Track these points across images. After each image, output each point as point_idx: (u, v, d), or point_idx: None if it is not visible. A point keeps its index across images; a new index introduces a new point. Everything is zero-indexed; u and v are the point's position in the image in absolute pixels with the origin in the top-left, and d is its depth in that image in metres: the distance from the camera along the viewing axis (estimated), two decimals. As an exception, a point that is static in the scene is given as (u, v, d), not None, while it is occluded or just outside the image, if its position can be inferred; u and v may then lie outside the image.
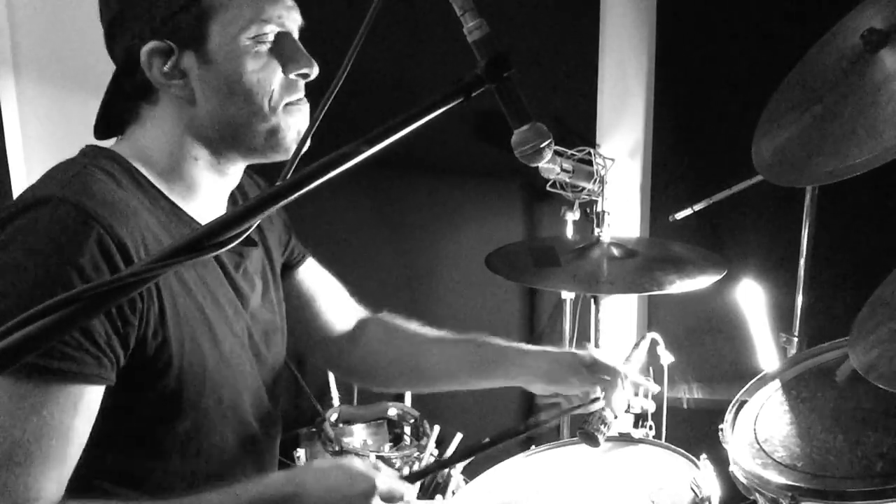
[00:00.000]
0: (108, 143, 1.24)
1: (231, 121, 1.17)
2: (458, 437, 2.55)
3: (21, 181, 2.10)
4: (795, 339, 2.01)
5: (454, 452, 1.48)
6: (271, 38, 1.16)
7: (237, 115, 1.16)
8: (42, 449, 1.02)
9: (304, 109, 1.21)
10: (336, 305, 1.58)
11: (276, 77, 1.16)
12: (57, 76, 2.10)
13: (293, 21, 1.19)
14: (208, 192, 1.24)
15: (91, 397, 1.07)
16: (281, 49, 1.17)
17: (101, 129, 1.24)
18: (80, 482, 1.08)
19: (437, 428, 2.46)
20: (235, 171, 1.25)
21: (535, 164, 1.00)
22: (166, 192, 1.19)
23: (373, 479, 1.17)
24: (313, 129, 0.97)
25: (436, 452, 2.48)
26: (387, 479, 1.19)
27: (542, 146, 0.97)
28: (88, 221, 1.04)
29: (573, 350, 1.50)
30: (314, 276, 1.55)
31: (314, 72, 1.19)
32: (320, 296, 1.55)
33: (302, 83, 1.20)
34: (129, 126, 1.22)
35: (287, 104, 1.18)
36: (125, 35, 1.15)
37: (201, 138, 1.19)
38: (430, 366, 1.55)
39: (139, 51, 1.13)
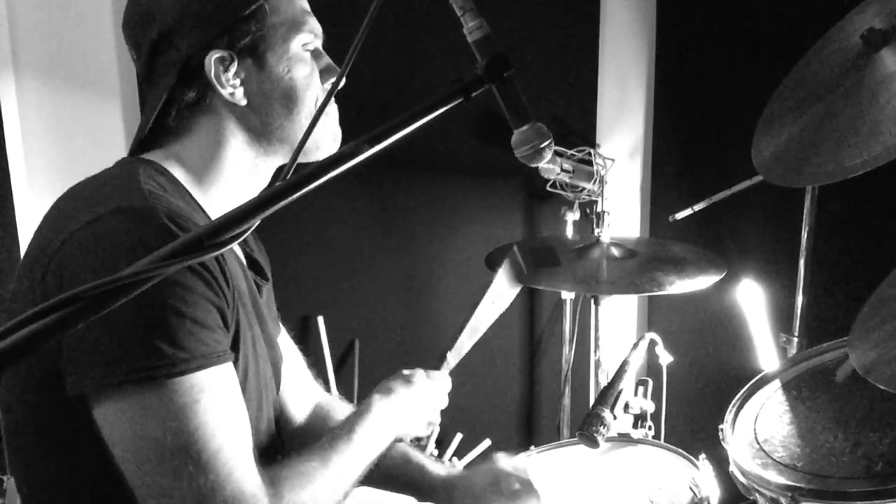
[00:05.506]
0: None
1: (283, 123, 1.22)
2: (458, 437, 2.55)
3: (21, 181, 2.10)
4: (795, 339, 2.00)
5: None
6: (312, 47, 1.24)
7: (289, 117, 1.22)
8: (223, 428, 1.04)
9: (335, 113, 1.28)
10: (292, 377, 1.54)
11: (318, 84, 1.24)
12: (57, 76, 2.10)
13: (320, 34, 1.27)
14: (238, 198, 1.26)
15: (233, 370, 1.11)
16: (318, 59, 1.25)
17: (140, 145, 1.24)
18: (107, 491, 1.08)
19: (436, 428, 2.47)
20: (266, 176, 1.29)
21: (535, 164, 1.00)
22: (200, 202, 1.21)
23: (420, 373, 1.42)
24: (314, 128, 0.98)
25: (435, 452, 2.49)
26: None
27: (542, 146, 0.97)
28: (175, 230, 1.04)
29: (487, 464, 1.47)
30: (281, 340, 1.52)
31: (342, 81, 1.22)
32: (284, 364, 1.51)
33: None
34: (169, 137, 1.22)
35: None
36: (183, 45, 1.16)
37: (251, 142, 1.23)
38: None
39: (202, 60, 1.15)
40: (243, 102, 1.19)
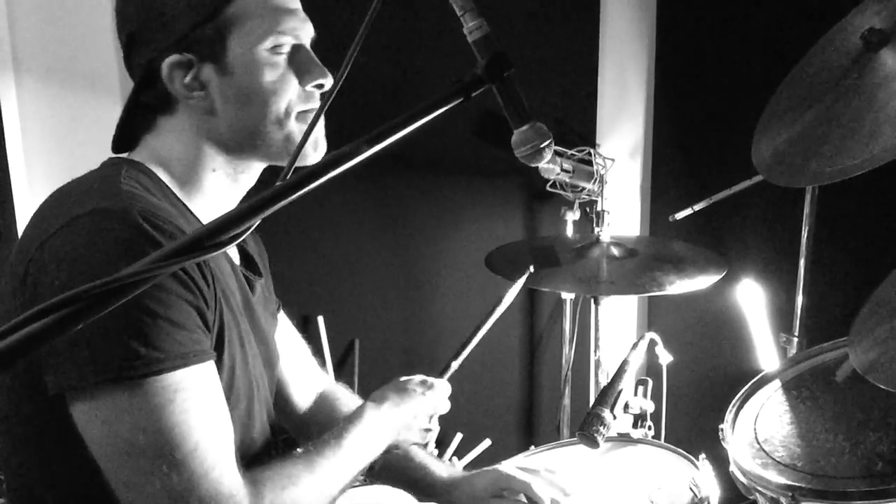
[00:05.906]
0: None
1: (249, 129, 1.19)
2: (458, 437, 2.55)
3: (21, 181, 2.10)
4: (795, 339, 2.01)
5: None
6: (287, 49, 1.19)
7: (255, 123, 1.18)
8: (200, 427, 1.05)
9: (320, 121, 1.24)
10: (296, 365, 1.55)
11: (292, 87, 1.19)
12: (57, 76, 2.10)
13: (307, 34, 1.22)
14: (224, 202, 1.25)
15: (213, 370, 1.10)
16: (297, 61, 1.20)
17: (118, 143, 1.24)
18: (91, 489, 1.08)
19: (437, 427, 2.47)
20: (249, 178, 1.27)
21: (535, 164, 1.00)
22: (188, 204, 1.20)
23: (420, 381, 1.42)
24: (314, 128, 0.98)
25: (435, 452, 2.48)
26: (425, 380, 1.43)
27: (542, 146, 0.97)
28: (150, 231, 1.04)
29: (491, 469, 1.47)
30: (283, 329, 1.52)
31: (328, 82, 1.21)
32: (284, 351, 1.50)
33: (317, 94, 1.22)
34: (144, 136, 1.22)
35: (300, 112, 1.20)
36: (145, 49, 1.16)
37: (220, 147, 1.21)
38: None
39: (160, 64, 1.14)
40: (205, 108, 1.17)
